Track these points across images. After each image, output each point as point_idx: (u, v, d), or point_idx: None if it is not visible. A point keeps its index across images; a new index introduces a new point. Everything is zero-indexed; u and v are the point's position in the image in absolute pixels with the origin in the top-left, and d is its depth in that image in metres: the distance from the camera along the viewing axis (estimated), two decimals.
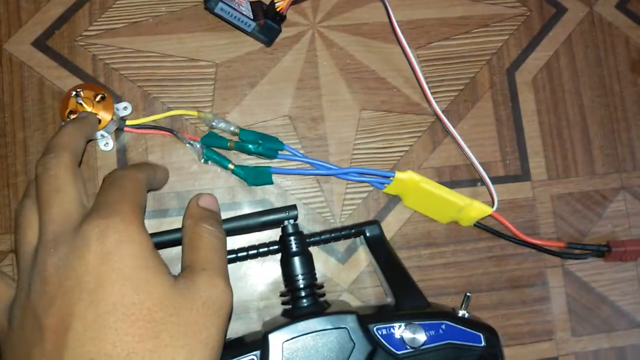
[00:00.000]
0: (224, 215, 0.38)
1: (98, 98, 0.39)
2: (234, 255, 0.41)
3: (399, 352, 0.36)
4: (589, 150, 0.47)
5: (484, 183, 0.44)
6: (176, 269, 0.33)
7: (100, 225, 0.29)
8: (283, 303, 0.39)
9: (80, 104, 0.38)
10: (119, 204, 0.31)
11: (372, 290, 0.43)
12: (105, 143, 0.41)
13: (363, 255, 0.44)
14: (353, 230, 0.42)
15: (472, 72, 0.47)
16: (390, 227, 0.44)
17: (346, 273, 0.44)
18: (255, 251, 0.41)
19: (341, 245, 0.44)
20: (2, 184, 0.42)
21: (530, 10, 0.48)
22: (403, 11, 0.47)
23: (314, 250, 0.43)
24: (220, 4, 0.41)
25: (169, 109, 0.43)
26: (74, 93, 0.39)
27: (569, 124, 0.47)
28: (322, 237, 0.42)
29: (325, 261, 0.44)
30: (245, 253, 0.41)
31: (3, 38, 0.44)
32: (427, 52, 0.47)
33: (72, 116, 0.39)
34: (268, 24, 0.43)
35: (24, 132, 0.43)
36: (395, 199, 0.45)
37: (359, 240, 0.44)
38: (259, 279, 0.43)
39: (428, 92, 0.44)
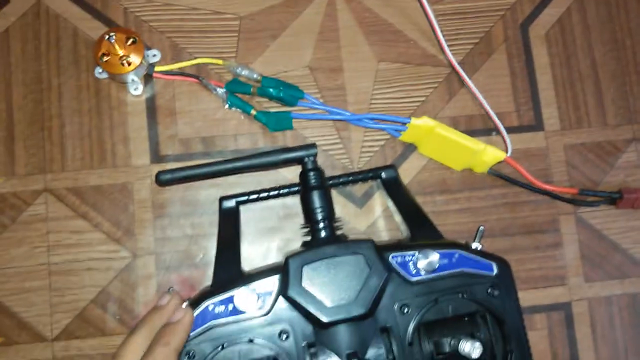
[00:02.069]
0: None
1: (130, 42, 0.41)
2: (256, 196, 0.43)
3: (413, 279, 0.38)
4: (601, 103, 0.48)
5: (498, 132, 0.46)
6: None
7: None
8: (303, 236, 0.40)
9: (113, 44, 0.40)
10: None
11: (387, 233, 0.45)
12: (135, 87, 0.44)
13: (379, 201, 0.45)
14: (370, 174, 0.44)
15: (487, 26, 0.48)
16: (407, 173, 0.46)
17: (363, 217, 0.45)
18: (276, 192, 0.43)
19: (358, 191, 0.46)
20: (38, 127, 0.44)
21: None
22: None
23: (332, 195, 0.45)
24: None
25: (196, 59, 0.45)
26: (107, 36, 0.41)
27: (581, 76, 0.48)
28: (341, 179, 0.44)
29: (344, 205, 0.45)
30: (266, 193, 0.43)
31: None
32: (443, 6, 0.48)
33: (105, 58, 0.41)
34: None
35: (58, 79, 0.45)
36: (411, 148, 0.46)
37: (376, 186, 0.46)
38: (279, 222, 0.44)
39: (445, 44, 0.45)
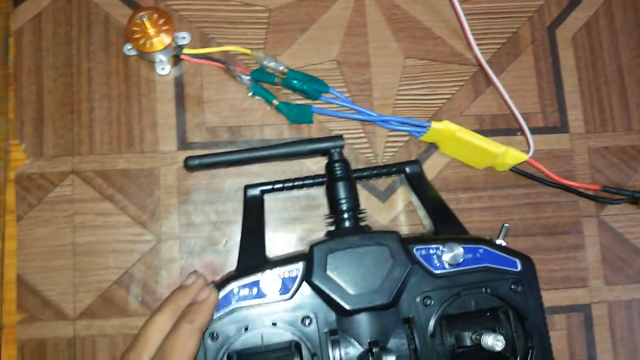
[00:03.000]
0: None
1: (161, 21, 0.42)
2: (280, 185, 0.43)
3: (436, 271, 0.38)
4: (626, 107, 0.48)
5: (522, 132, 0.46)
6: None
7: None
8: (327, 226, 0.41)
9: (144, 22, 0.41)
10: None
11: (409, 228, 0.45)
12: (162, 67, 0.44)
13: (402, 196, 0.46)
14: (394, 168, 0.44)
15: (515, 27, 0.49)
16: (430, 170, 0.46)
17: (386, 211, 0.45)
18: (301, 182, 0.43)
19: (382, 185, 0.46)
20: (67, 110, 0.45)
21: None
22: None
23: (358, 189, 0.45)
24: None
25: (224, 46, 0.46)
26: (140, 14, 0.41)
27: (607, 80, 0.48)
28: (365, 172, 0.44)
29: (367, 199, 0.45)
30: (291, 184, 0.43)
31: None
32: (472, 5, 0.49)
33: (136, 35, 0.42)
34: None
35: (88, 64, 0.45)
36: (435, 145, 0.46)
37: (399, 181, 0.46)
38: (302, 212, 0.45)
39: (473, 42, 0.46)
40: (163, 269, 0.43)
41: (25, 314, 0.43)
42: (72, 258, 0.43)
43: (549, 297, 0.45)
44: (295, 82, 0.44)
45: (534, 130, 0.47)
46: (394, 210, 0.45)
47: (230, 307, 0.36)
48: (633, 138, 0.48)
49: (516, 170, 0.46)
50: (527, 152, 0.45)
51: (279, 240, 0.44)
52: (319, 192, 0.45)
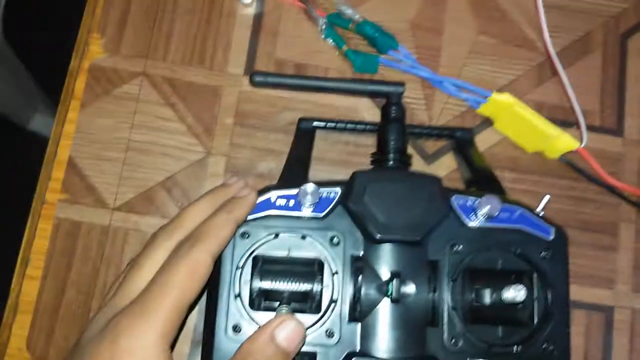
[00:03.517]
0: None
1: None
2: (333, 125, 0.44)
3: (470, 223, 0.38)
4: None
5: (578, 126, 0.46)
6: None
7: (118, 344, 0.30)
8: (373, 162, 0.42)
9: None
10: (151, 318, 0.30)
11: None
12: None
13: (447, 163, 0.47)
14: (446, 131, 0.45)
15: (589, 27, 0.50)
16: (482, 143, 0.47)
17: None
18: (353, 125, 0.44)
19: (430, 148, 0.47)
20: (151, 16, 0.47)
21: None
22: None
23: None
24: None
25: None
26: None
27: None
28: (416, 129, 0.45)
29: (413, 158, 0.46)
30: (344, 125, 0.44)
31: None
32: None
33: None
34: None
35: None
36: (490, 121, 0.47)
37: (447, 148, 0.47)
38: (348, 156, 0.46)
39: (546, 32, 0.47)
40: (207, 181, 0.45)
41: (68, 194, 0.45)
42: (124, 152, 0.45)
43: (573, 291, 0.45)
44: (368, 31, 0.46)
45: (590, 128, 0.47)
46: (439, 173, 0.46)
47: (266, 212, 0.38)
48: None
49: (565, 160, 0.46)
50: (581, 143, 0.45)
51: (321, 177, 0.45)
52: (369, 141, 0.46)
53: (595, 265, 0.46)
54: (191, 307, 0.32)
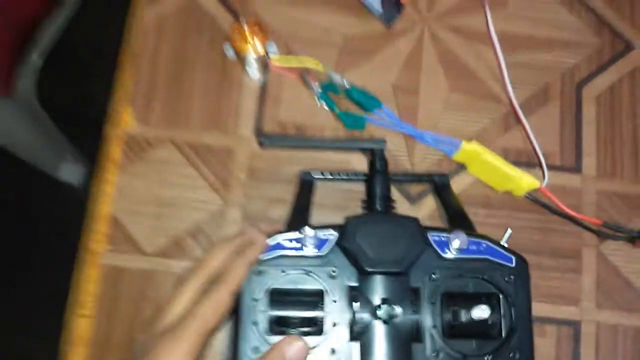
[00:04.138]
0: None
1: (257, 31, 0.53)
2: (330, 176, 0.53)
3: (444, 255, 0.46)
4: (636, 162, 0.56)
5: (540, 166, 0.54)
6: None
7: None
8: (363, 207, 0.50)
9: (244, 29, 0.52)
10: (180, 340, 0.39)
11: None
12: (252, 69, 0.55)
13: (430, 203, 0.54)
14: (426, 177, 0.53)
15: (547, 81, 0.58)
16: (457, 186, 0.55)
17: (414, 213, 0.54)
18: (346, 176, 0.53)
19: (414, 191, 0.55)
20: (173, 90, 0.56)
21: (604, 43, 0.59)
22: (499, 23, 0.58)
23: (391, 190, 0.54)
24: None
25: (303, 61, 0.57)
26: (241, 21, 0.53)
27: (622, 137, 0.57)
28: (400, 176, 0.53)
29: (399, 200, 0.54)
30: (339, 176, 0.53)
31: None
32: (513, 58, 0.58)
33: (236, 39, 0.53)
34: (391, 9, 0.56)
35: (195, 57, 0.57)
36: (464, 166, 0.55)
37: (429, 190, 0.55)
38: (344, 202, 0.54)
39: (509, 86, 0.55)
40: (227, 228, 0.53)
41: (111, 245, 0.53)
42: (156, 207, 0.54)
43: (545, 309, 0.53)
44: (355, 95, 0.54)
45: (551, 167, 0.55)
46: (422, 213, 0.54)
47: (276, 254, 0.46)
48: (638, 189, 0.55)
49: (530, 197, 0.54)
50: (542, 182, 0.53)
51: (321, 221, 0.53)
52: (360, 188, 0.54)
53: (563, 285, 0.53)
54: (214, 331, 0.41)
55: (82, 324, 0.51)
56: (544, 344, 0.52)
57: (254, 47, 0.53)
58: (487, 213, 0.54)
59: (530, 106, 0.57)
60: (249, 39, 0.53)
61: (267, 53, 0.55)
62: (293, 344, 0.41)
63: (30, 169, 1.27)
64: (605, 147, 0.56)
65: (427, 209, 0.54)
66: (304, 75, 0.56)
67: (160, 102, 0.56)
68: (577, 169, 0.56)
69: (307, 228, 0.45)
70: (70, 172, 1.37)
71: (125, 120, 0.56)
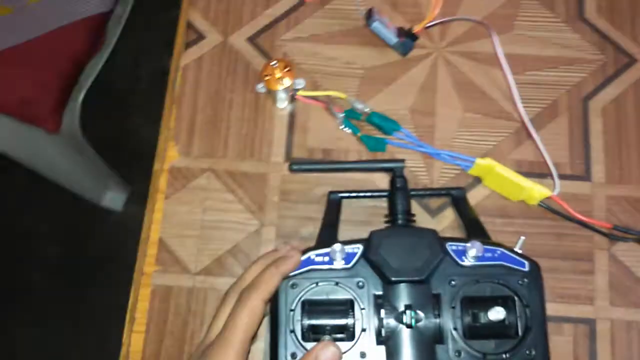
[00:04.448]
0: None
1: (286, 69, 0.59)
2: (355, 194, 0.58)
3: (462, 262, 0.50)
4: None
5: (551, 176, 0.58)
6: None
7: None
8: (386, 222, 0.55)
9: (274, 68, 0.58)
10: (227, 348, 0.44)
11: None
12: (282, 103, 0.61)
13: (449, 215, 0.59)
14: (444, 191, 0.58)
15: (555, 97, 0.62)
16: (474, 198, 0.59)
17: (434, 225, 0.59)
18: (370, 193, 0.58)
19: (433, 204, 0.59)
20: (212, 126, 0.62)
21: (607, 58, 0.63)
22: (507, 46, 0.62)
23: (412, 204, 0.58)
24: (375, 23, 0.60)
25: (327, 91, 0.62)
26: (272, 62, 0.59)
27: (628, 144, 0.60)
28: (420, 192, 0.58)
29: (420, 214, 0.59)
30: (363, 194, 0.58)
31: (228, 33, 0.65)
32: (522, 77, 0.62)
33: (267, 77, 0.59)
34: (406, 41, 0.61)
35: (231, 95, 0.63)
36: (479, 179, 0.60)
37: (448, 203, 0.59)
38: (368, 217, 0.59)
39: (519, 104, 0.59)
40: (263, 246, 0.59)
41: (161, 266, 0.59)
42: (200, 230, 0.60)
43: (561, 308, 0.56)
44: (375, 119, 0.59)
45: (562, 177, 0.59)
46: (441, 225, 0.59)
47: (308, 268, 0.51)
48: None
49: (543, 205, 0.58)
50: (553, 191, 0.57)
51: (349, 236, 0.58)
52: (383, 204, 0.59)
53: (577, 286, 0.57)
54: (254, 336, 0.47)
55: (136, 340, 0.57)
56: (562, 341, 0.55)
57: (283, 84, 0.59)
58: (503, 222, 0.59)
59: (540, 121, 0.61)
60: (279, 77, 0.59)
61: (295, 89, 0.61)
62: (327, 349, 0.46)
63: (78, 199, 1.36)
64: (612, 155, 0.60)
65: (446, 221, 0.59)
66: (328, 104, 0.61)
67: (200, 136, 0.62)
68: (586, 177, 0.60)
69: (335, 244, 0.50)
70: (112, 199, 1.45)
71: (170, 155, 0.62)
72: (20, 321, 1.40)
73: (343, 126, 0.61)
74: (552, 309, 0.56)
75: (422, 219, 0.59)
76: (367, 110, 0.60)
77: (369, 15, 0.60)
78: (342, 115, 0.60)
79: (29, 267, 1.45)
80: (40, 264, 1.45)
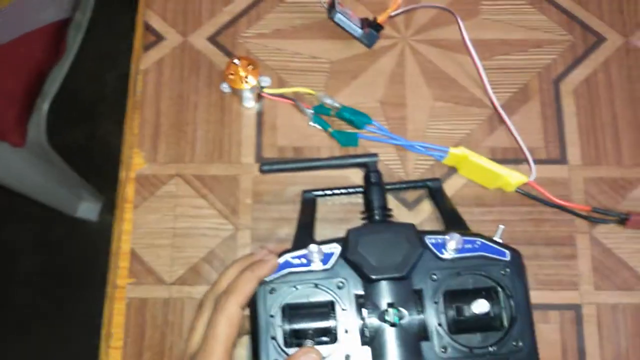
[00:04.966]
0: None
1: (250, 67, 0.57)
2: (330, 192, 0.56)
3: (442, 256, 0.49)
4: (619, 147, 0.59)
5: (527, 162, 0.57)
6: None
7: None
8: (363, 218, 0.53)
9: (238, 66, 0.56)
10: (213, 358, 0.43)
11: None
12: (248, 102, 0.59)
13: (426, 207, 0.58)
14: (420, 183, 0.57)
15: (525, 80, 0.61)
16: (450, 188, 0.58)
17: (412, 218, 0.57)
18: (345, 190, 0.56)
19: (410, 197, 0.58)
20: (177, 130, 0.60)
21: (575, 38, 0.62)
22: (473, 32, 0.62)
23: (388, 198, 0.57)
24: (338, 14, 0.58)
25: (295, 87, 0.61)
26: (235, 60, 0.57)
27: (602, 125, 0.60)
28: (396, 185, 0.57)
29: (397, 207, 0.58)
30: (338, 191, 0.56)
31: (188, 33, 0.63)
32: (491, 62, 0.61)
33: (231, 76, 0.57)
34: (371, 32, 0.60)
35: (195, 97, 0.61)
36: (455, 168, 0.59)
37: (424, 195, 0.58)
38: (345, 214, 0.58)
39: (490, 90, 0.58)
40: (238, 250, 0.57)
41: (134, 278, 0.57)
42: (172, 238, 0.58)
43: (546, 296, 0.56)
44: (346, 114, 0.58)
45: (538, 161, 0.58)
46: (419, 218, 0.57)
47: (285, 271, 0.49)
48: (623, 171, 0.58)
49: (521, 191, 0.57)
50: (530, 177, 0.56)
51: (326, 234, 0.57)
52: (359, 200, 0.57)
53: (561, 272, 0.56)
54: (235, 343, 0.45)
55: (114, 355, 0.55)
56: (549, 329, 0.55)
57: (248, 83, 0.57)
58: (481, 211, 0.58)
59: (512, 106, 0.60)
60: (243, 75, 0.57)
61: (261, 87, 0.59)
62: (308, 355, 0.45)
63: (50, 210, 1.33)
64: (587, 137, 0.59)
65: (424, 213, 0.58)
66: (296, 101, 0.59)
67: (165, 141, 0.60)
68: (562, 160, 0.59)
69: (311, 245, 0.49)
70: (87, 209, 1.42)
71: (135, 162, 0.59)
72: None
73: (313, 122, 0.59)
74: (537, 296, 0.55)
75: (400, 213, 0.57)
76: (336, 105, 0.59)
77: (331, 6, 0.59)
78: (311, 111, 0.59)
79: (3, 282, 1.41)
80: (15, 279, 1.42)
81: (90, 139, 1.47)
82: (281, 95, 0.60)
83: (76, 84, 1.19)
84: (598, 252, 0.56)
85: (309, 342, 0.47)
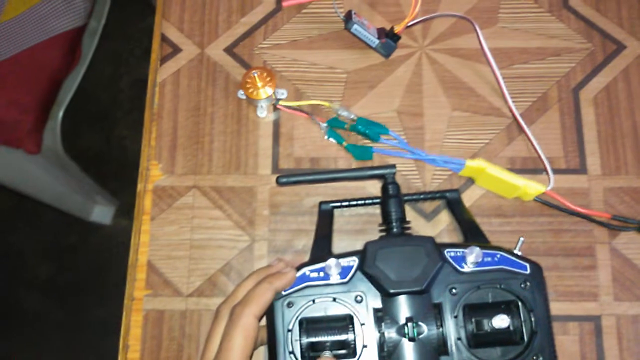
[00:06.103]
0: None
1: (267, 78, 0.57)
2: (347, 203, 0.56)
3: (462, 269, 0.49)
4: (638, 155, 0.58)
5: (545, 171, 0.57)
6: None
7: None
8: (381, 230, 0.53)
9: (255, 77, 0.56)
10: None
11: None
12: (263, 112, 0.59)
13: (444, 218, 0.57)
14: (438, 194, 0.56)
15: (544, 89, 0.60)
16: (468, 199, 0.58)
17: (430, 229, 0.57)
18: (362, 201, 0.56)
19: (428, 208, 0.58)
20: (194, 141, 0.60)
21: (595, 46, 0.62)
22: (492, 41, 0.61)
23: (406, 209, 0.57)
24: (355, 25, 0.58)
25: (310, 100, 0.60)
26: (253, 71, 0.57)
27: (622, 134, 0.59)
28: (414, 196, 0.56)
29: (415, 219, 0.57)
30: (355, 202, 0.56)
31: (205, 45, 0.63)
32: (509, 71, 0.61)
33: (248, 86, 0.57)
34: (388, 42, 0.59)
35: (212, 108, 0.61)
36: (473, 179, 0.58)
37: (442, 206, 0.58)
38: (362, 225, 0.57)
39: (509, 99, 0.58)
40: (255, 262, 0.57)
41: (151, 290, 0.57)
42: (189, 250, 0.58)
43: (565, 307, 0.55)
44: (359, 127, 0.58)
45: (557, 171, 0.57)
46: (437, 229, 0.57)
47: (303, 285, 0.49)
48: None
49: (539, 200, 0.57)
50: (547, 187, 0.56)
51: (343, 246, 0.57)
52: (377, 211, 0.57)
53: (580, 283, 0.56)
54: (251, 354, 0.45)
55: None
56: (568, 341, 0.54)
57: (264, 94, 0.57)
58: (500, 222, 0.57)
59: (531, 115, 0.60)
60: (260, 86, 0.57)
61: (277, 99, 0.59)
62: None
63: (65, 215, 1.34)
64: (607, 146, 0.59)
65: (442, 224, 0.57)
66: (311, 114, 0.59)
67: (182, 153, 0.60)
68: (582, 169, 0.58)
69: (329, 259, 0.48)
70: (101, 213, 1.43)
71: (153, 174, 0.60)
72: (10, 347, 1.38)
73: (327, 137, 0.59)
74: (556, 307, 0.54)
75: (417, 224, 0.57)
76: (352, 117, 0.58)
77: (348, 17, 0.58)
78: (325, 125, 0.59)
79: (20, 288, 1.42)
80: (30, 286, 1.43)
81: (105, 143, 1.48)
82: (296, 108, 0.60)
83: (90, 89, 1.20)
84: (618, 263, 0.56)
85: (326, 354, 0.47)
